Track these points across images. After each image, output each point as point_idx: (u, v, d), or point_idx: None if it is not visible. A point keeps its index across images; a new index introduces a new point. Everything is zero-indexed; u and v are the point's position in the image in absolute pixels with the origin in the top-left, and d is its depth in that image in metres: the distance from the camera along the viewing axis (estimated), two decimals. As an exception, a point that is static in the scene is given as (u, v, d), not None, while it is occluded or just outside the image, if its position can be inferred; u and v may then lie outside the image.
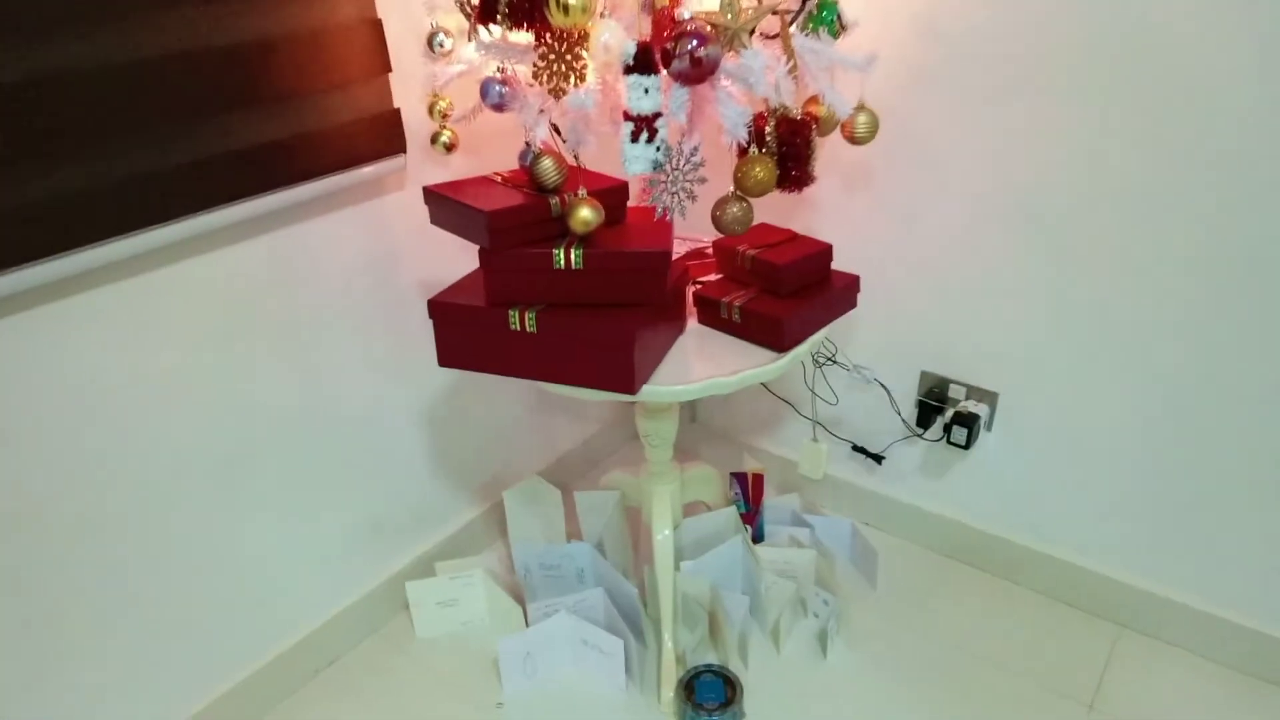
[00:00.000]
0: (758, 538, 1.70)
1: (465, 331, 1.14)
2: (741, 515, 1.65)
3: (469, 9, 1.18)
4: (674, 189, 1.07)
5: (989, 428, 1.59)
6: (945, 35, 1.34)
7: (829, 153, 1.55)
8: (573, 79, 1.02)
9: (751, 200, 1.09)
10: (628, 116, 1.02)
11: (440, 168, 1.43)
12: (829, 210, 1.61)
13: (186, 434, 1.22)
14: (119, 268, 1.08)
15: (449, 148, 1.26)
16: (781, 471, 1.94)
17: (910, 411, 1.68)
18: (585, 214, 1.08)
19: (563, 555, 1.56)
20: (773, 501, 1.74)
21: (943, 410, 1.62)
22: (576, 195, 1.09)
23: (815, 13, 1.20)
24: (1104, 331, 1.39)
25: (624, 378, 1.09)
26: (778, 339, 1.20)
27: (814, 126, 1.11)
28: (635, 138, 1.02)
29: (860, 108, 1.22)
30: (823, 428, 1.82)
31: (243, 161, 1.11)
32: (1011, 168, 1.37)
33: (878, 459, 1.77)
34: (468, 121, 1.26)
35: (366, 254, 1.37)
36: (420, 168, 1.40)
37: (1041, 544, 1.61)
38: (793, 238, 1.32)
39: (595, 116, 1.09)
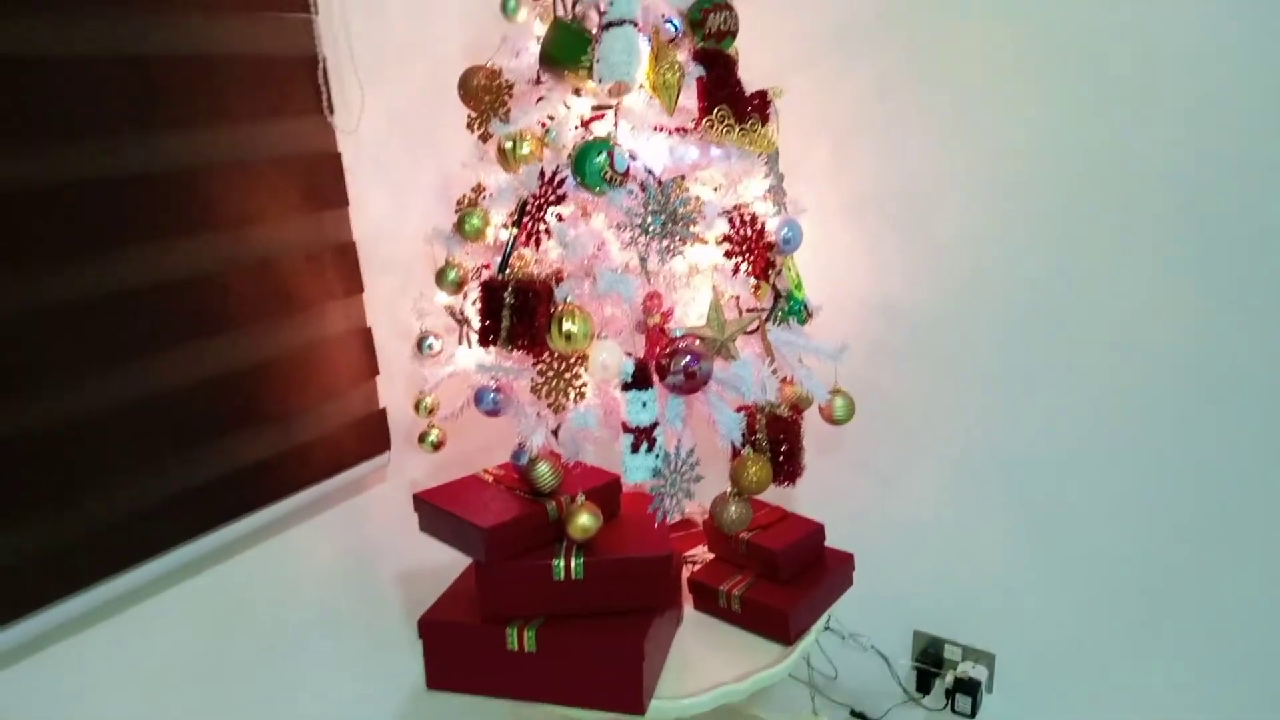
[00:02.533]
0: (763, 831, 1.55)
1: (458, 651, 1.07)
2: (744, 807, 1.52)
3: (460, 317, 1.23)
4: (673, 491, 1.07)
5: (990, 689, 1.54)
6: (900, 314, 1.45)
7: (801, 418, 1.60)
8: (572, 395, 1.05)
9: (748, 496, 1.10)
10: (627, 429, 1.04)
11: (423, 457, 1.42)
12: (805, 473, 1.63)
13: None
14: (91, 615, 1.00)
15: (437, 446, 1.25)
16: (776, 740, 1.82)
17: (908, 674, 1.62)
18: (585, 521, 1.06)
19: None
20: (774, 783, 1.61)
21: (941, 674, 1.56)
22: (575, 501, 1.08)
23: (784, 305, 1.28)
24: (1096, 587, 1.39)
25: (632, 697, 1.02)
26: (783, 632, 1.16)
27: (802, 423, 1.15)
28: (636, 449, 1.04)
29: (836, 391, 1.28)
30: (819, 693, 1.73)
31: (232, 484, 1.08)
32: (984, 432, 1.43)
33: (879, 725, 1.67)
34: (455, 417, 1.26)
35: (346, 554, 1.31)
36: (403, 457, 1.38)
37: (1064, 817, 1.51)
38: (784, 516, 1.32)
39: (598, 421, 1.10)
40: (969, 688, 1.49)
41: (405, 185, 1.30)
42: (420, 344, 1.24)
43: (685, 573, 1.32)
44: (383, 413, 1.29)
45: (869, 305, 1.46)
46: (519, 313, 1.01)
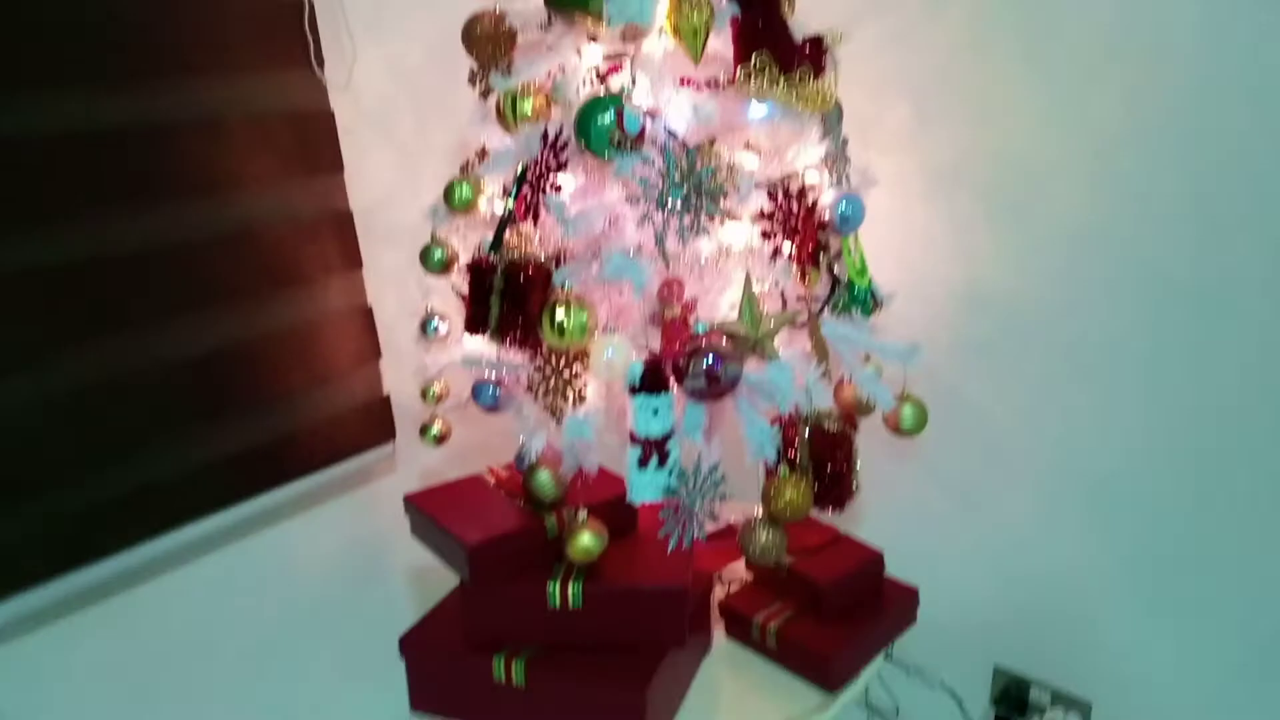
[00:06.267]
0: None
1: (443, 675, 0.95)
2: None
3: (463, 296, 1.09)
4: (689, 515, 0.91)
5: (1083, 743, 1.32)
6: (989, 304, 1.22)
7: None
8: (571, 397, 0.89)
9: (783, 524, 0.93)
10: (634, 439, 0.88)
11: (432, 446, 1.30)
12: (870, 478, 1.42)
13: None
14: (68, 602, 0.94)
15: (439, 440, 1.13)
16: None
17: (984, 717, 1.41)
18: (586, 542, 0.91)
19: None
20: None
21: (1024, 719, 1.35)
22: (577, 516, 0.94)
23: (844, 294, 1.08)
24: (1213, 632, 1.15)
25: (632, 750, 0.88)
26: (824, 677, 0.99)
27: (854, 438, 0.96)
28: (643, 463, 0.88)
29: (905, 398, 1.07)
30: (878, 724, 1.54)
31: (217, 471, 1.00)
32: (1083, 456, 1.19)
33: (948, 768, 1.48)
34: (462, 408, 1.13)
35: (350, 547, 1.22)
36: (415, 446, 1.27)
37: None
38: (836, 539, 1.14)
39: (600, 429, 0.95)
40: (1056, 742, 1.28)
41: (414, 148, 1.17)
42: (425, 326, 1.11)
43: (717, 593, 1.16)
44: (386, 400, 1.18)
45: (952, 293, 1.24)
46: (509, 299, 0.87)
